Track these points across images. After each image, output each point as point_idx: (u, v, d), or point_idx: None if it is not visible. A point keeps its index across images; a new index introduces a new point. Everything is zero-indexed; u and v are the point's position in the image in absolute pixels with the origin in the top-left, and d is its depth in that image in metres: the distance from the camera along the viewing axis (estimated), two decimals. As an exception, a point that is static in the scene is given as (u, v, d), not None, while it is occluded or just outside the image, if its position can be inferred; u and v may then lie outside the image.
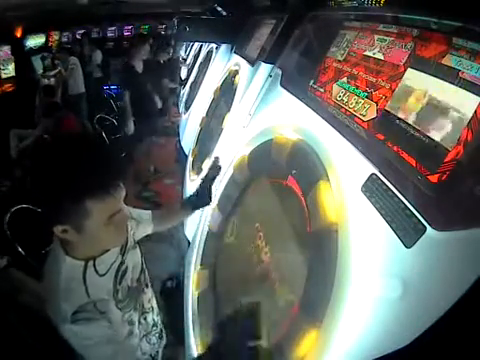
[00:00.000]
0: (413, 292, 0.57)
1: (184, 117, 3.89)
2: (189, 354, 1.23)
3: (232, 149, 1.58)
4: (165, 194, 3.60)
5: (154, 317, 1.09)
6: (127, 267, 0.95)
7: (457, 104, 0.66)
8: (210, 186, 1.22)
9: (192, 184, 2.32)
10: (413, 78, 0.79)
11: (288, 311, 0.88)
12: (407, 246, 0.61)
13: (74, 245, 0.82)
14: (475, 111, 0.61)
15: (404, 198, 0.65)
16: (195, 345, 1.22)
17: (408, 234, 0.61)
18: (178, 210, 1.27)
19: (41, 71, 5.14)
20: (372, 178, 0.74)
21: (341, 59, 1.11)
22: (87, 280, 0.83)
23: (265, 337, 0.79)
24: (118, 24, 7.31)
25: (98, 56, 5.85)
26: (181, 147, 3.57)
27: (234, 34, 2.63)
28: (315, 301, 0.74)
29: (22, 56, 5.03)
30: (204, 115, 2.66)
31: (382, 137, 0.81)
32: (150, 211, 1.15)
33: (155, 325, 1.09)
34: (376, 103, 0.88)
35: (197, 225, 1.65)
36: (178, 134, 3.99)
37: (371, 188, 0.73)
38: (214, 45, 3.43)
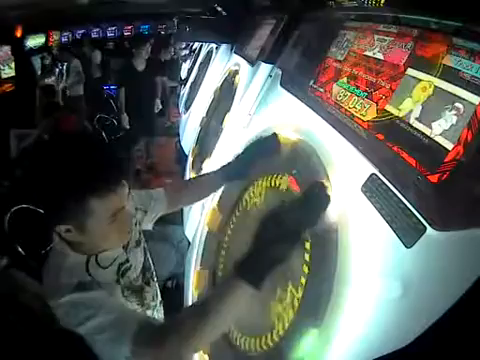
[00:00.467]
0: (413, 292, 0.57)
1: (184, 117, 3.89)
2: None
3: (232, 149, 1.58)
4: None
5: (156, 315, 1.09)
6: (131, 265, 0.94)
7: (457, 104, 0.66)
8: (253, 159, 1.10)
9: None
10: (413, 78, 0.79)
11: (288, 311, 0.88)
12: (407, 246, 0.61)
13: (76, 244, 0.82)
14: (475, 111, 0.61)
15: (404, 198, 0.65)
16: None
17: (408, 234, 0.61)
18: (205, 182, 1.18)
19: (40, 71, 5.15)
20: (372, 178, 0.74)
21: (341, 59, 1.11)
22: (90, 269, 0.82)
23: None
24: (118, 24, 7.31)
25: (98, 56, 5.85)
26: (181, 147, 3.57)
27: (234, 34, 2.63)
28: (315, 301, 0.74)
29: (22, 56, 5.03)
30: (204, 115, 2.66)
31: (382, 137, 0.81)
32: (162, 188, 1.11)
33: None
34: (376, 103, 0.88)
35: (197, 225, 1.65)
36: (178, 134, 4.00)
37: (371, 188, 0.73)
38: (214, 45, 3.43)
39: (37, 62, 5.27)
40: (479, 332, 0.52)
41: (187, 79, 4.75)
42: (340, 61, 1.11)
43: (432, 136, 0.69)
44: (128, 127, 3.69)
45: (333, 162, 0.88)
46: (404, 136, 0.75)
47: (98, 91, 5.58)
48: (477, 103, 0.62)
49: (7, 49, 4.75)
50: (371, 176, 0.74)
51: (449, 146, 0.64)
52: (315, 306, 0.74)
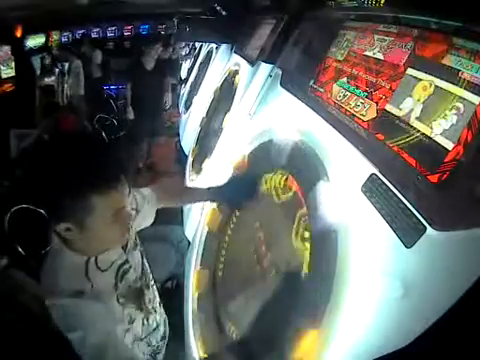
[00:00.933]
0: (413, 292, 0.57)
1: (184, 117, 3.89)
2: (189, 354, 1.23)
3: (232, 149, 1.58)
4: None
5: (157, 318, 1.08)
6: (130, 266, 0.94)
7: (457, 104, 0.66)
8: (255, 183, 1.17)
9: (192, 184, 2.32)
10: (413, 78, 0.79)
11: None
12: (407, 246, 0.61)
13: (76, 244, 0.82)
14: (475, 111, 0.61)
15: (404, 198, 0.65)
16: (195, 345, 1.22)
17: (408, 234, 0.61)
18: (198, 193, 1.24)
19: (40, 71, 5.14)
20: (372, 178, 0.74)
21: (341, 59, 1.11)
22: (89, 273, 0.82)
23: None
24: (118, 24, 7.30)
25: (98, 56, 5.85)
26: (181, 147, 3.57)
27: (234, 34, 2.63)
28: (315, 301, 0.74)
29: (22, 56, 5.03)
30: (204, 115, 2.66)
31: (382, 137, 0.81)
32: (149, 188, 1.13)
33: (158, 327, 1.08)
34: (376, 103, 0.88)
35: (197, 225, 1.65)
36: (178, 134, 4.00)
37: (371, 188, 0.73)
38: (214, 45, 3.43)
39: (37, 62, 5.26)
40: (479, 332, 0.52)
41: (187, 79, 4.75)
42: (340, 61, 1.11)
43: (432, 136, 0.69)
44: (132, 118, 3.70)
45: (333, 162, 0.88)
46: (404, 136, 0.75)
47: (98, 91, 5.57)
48: (477, 103, 0.62)
49: (7, 49, 4.74)
50: (371, 176, 0.74)
51: (449, 146, 0.64)
52: (315, 306, 0.74)
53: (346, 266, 0.71)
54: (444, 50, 0.73)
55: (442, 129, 0.67)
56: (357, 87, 0.97)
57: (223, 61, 2.80)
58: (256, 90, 1.64)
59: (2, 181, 2.98)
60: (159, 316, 1.10)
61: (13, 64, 4.86)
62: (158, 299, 1.11)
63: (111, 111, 4.98)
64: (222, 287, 1.29)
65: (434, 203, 0.61)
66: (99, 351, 0.79)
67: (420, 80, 0.77)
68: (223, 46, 2.98)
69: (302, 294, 0.82)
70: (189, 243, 1.78)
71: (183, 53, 5.97)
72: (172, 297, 1.49)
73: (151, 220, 1.13)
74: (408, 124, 0.75)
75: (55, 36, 6.15)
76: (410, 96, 0.78)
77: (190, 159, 2.63)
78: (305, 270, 0.85)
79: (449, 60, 0.71)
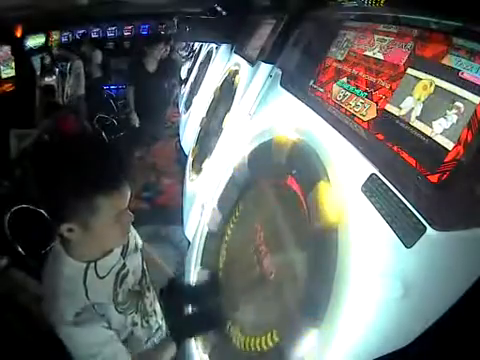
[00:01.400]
0: (413, 292, 0.57)
1: (184, 117, 3.89)
2: (189, 354, 1.23)
3: (232, 149, 1.58)
4: (165, 194, 3.60)
5: (158, 321, 1.08)
6: (128, 270, 0.94)
7: (457, 104, 0.66)
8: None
9: (192, 184, 2.32)
10: (413, 78, 0.79)
11: (288, 311, 0.88)
12: (407, 246, 0.61)
13: (76, 246, 0.82)
14: (475, 111, 0.61)
15: (404, 198, 0.65)
16: (195, 345, 1.22)
17: (408, 234, 0.61)
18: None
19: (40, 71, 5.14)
20: (372, 178, 0.74)
21: (341, 59, 1.11)
22: (87, 282, 0.83)
23: None
24: (118, 24, 7.30)
25: (98, 56, 5.85)
26: (181, 147, 3.57)
27: (234, 34, 2.63)
28: (315, 301, 0.74)
29: (22, 56, 5.03)
30: (204, 115, 2.66)
31: (382, 137, 0.81)
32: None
33: (159, 329, 1.08)
34: (376, 103, 0.88)
35: (197, 225, 1.65)
36: (178, 134, 4.00)
37: (371, 188, 0.73)
38: (214, 45, 3.43)
39: (37, 62, 5.26)
40: (479, 332, 0.52)
41: (187, 79, 4.75)
42: (340, 61, 1.11)
43: (432, 136, 0.69)
44: (137, 125, 3.50)
45: (333, 162, 0.88)
46: (404, 136, 0.75)
47: (98, 91, 5.58)
48: (477, 103, 0.62)
49: (7, 49, 4.74)
50: (371, 176, 0.74)
51: (449, 146, 0.64)
52: (315, 306, 0.74)
53: (346, 266, 0.72)
54: (444, 50, 0.72)
55: (442, 129, 0.67)
56: (357, 87, 0.97)
57: (223, 61, 2.81)
58: (256, 90, 1.64)
59: (2, 181, 2.98)
60: (160, 319, 1.10)
61: (13, 64, 4.86)
62: (157, 302, 1.11)
63: (111, 111, 4.98)
64: (222, 287, 1.29)
65: (434, 203, 0.61)
66: None
67: (420, 80, 0.77)
68: (223, 46, 2.98)
69: (302, 294, 0.82)
70: (189, 243, 1.78)
71: (183, 54, 5.97)
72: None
73: None
74: (408, 124, 0.75)
75: (55, 36, 6.15)
76: (410, 96, 0.78)
77: (190, 159, 2.63)
78: (305, 270, 0.85)
79: (449, 60, 0.71)
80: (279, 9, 1.78)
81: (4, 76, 4.69)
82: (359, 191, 0.76)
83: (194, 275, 1.44)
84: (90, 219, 0.75)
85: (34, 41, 5.47)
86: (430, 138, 0.69)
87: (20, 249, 2.26)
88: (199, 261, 1.45)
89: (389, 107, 0.83)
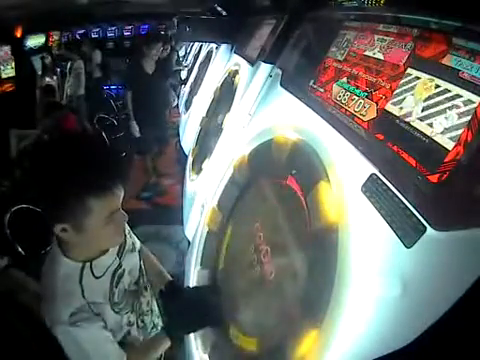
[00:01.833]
0: (413, 292, 0.57)
1: (184, 117, 3.89)
2: (189, 354, 1.23)
3: (232, 149, 1.58)
4: (165, 194, 3.61)
5: (154, 319, 1.08)
6: (124, 270, 0.94)
7: (457, 104, 0.66)
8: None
9: (192, 184, 2.32)
10: (413, 78, 0.79)
11: (288, 311, 0.88)
12: (407, 246, 0.61)
13: (72, 246, 0.82)
14: (475, 111, 0.61)
15: (404, 198, 0.65)
16: (195, 345, 1.22)
17: (408, 234, 0.61)
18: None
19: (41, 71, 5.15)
20: (372, 178, 0.74)
21: (341, 59, 1.11)
22: (83, 281, 0.83)
23: None
24: (118, 24, 7.31)
25: (98, 56, 5.86)
26: (181, 147, 3.57)
27: (234, 34, 2.63)
28: (315, 301, 0.74)
29: (22, 56, 5.03)
30: (204, 115, 2.66)
31: (382, 137, 0.81)
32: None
33: (155, 327, 1.08)
34: (376, 103, 0.88)
35: (197, 225, 1.65)
36: (178, 134, 4.00)
37: (371, 188, 0.73)
38: (214, 45, 3.43)
39: (37, 62, 5.27)
40: (479, 332, 0.52)
41: (187, 79, 4.75)
42: (340, 61, 1.11)
43: (432, 136, 0.69)
44: (138, 136, 3.34)
45: (333, 162, 0.88)
46: (404, 136, 0.75)
47: (98, 91, 5.59)
48: (477, 103, 0.62)
49: (7, 49, 4.75)
50: (371, 176, 0.74)
51: (449, 146, 0.64)
52: (315, 306, 0.74)
53: (346, 266, 0.71)
54: (444, 50, 0.72)
55: (442, 129, 0.67)
56: (357, 87, 0.97)
57: (223, 61, 2.81)
58: (256, 90, 1.64)
59: (2, 181, 2.99)
60: (157, 318, 1.10)
61: (13, 64, 4.86)
62: (154, 301, 1.11)
63: (111, 111, 4.98)
64: (222, 287, 1.29)
65: (434, 203, 0.61)
66: None
67: (420, 80, 0.77)
68: (223, 46, 2.98)
69: (302, 294, 0.82)
70: (189, 243, 1.78)
71: (182, 54, 5.98)
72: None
73: None
74: (408, 124, 0.75)
75: (55, 36, 6.16)
76: (410, 96, 0.78)
77: (190, 159, 2.63)
78: (305, 270, 0.85)
79: (449, 60, 0.71)
80: (279, 9, 1.79)
81: (4, 76, 4.70)
82: (359, 191, 0.76)
83: (194, 275, 1.44)
84: (82, 220, 0.75)
85: (34, 41, 5.48)
86: (430, 138, 0.69)
87: (20, 249, 2.26)
88: (199, 261, 1.45)
89: (389, 107, 0.83)
